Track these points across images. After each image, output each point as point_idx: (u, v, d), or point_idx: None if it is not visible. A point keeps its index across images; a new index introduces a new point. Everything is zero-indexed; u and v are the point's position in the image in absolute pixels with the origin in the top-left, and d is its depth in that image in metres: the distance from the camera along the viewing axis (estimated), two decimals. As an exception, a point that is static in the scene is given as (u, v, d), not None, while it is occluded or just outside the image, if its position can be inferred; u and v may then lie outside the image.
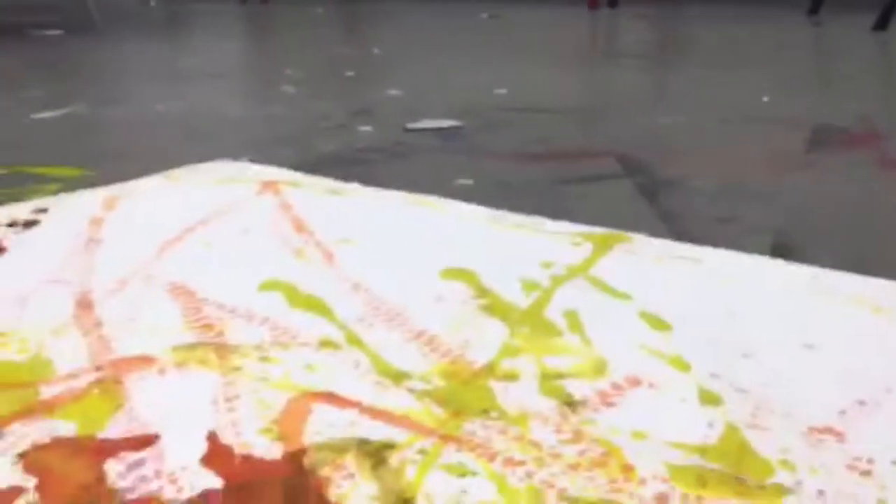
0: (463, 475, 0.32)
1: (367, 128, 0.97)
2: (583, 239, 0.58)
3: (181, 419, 0.36)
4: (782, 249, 0.56)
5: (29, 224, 0.63)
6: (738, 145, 0.87)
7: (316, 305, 0.48)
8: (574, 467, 0.32)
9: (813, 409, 0.36)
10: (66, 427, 0.36)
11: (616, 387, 0.39)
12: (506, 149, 0.86)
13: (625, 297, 0.48)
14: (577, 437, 0.34)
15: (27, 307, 0.49)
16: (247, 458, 0.33)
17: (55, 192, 0.72)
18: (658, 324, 0.45)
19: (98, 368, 0.41)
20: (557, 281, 0.51)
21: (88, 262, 0.56)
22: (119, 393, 0.39)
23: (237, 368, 0.41)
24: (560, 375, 0.40)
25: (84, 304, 0.49)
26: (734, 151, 0.84)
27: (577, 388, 0.38)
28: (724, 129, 0.95)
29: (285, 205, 0.67)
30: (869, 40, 1.89)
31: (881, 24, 2.04)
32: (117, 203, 0.68)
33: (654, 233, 0.59)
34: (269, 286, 0.51)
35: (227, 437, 0.35)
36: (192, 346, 0.43)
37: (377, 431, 0.35)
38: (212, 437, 0.35)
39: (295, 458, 0.33)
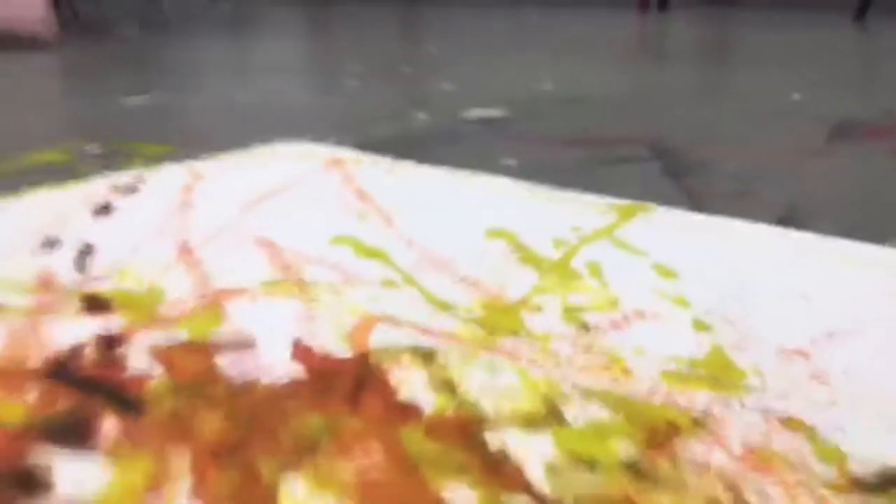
0: (494, 370, 0.40)
1: (423, 116, 1.06)
2: (609, 208, 0.66)
3: (272, 330, 0.45)
4: (787, 220, 0.63)
5: (131, 189, 0.74)
6: (763, 135, 0.94)
7: (378, 255, 0.57)
8: (583, 370, 0.40)
9: (788, 337, 0.44)
10: (180, 335, 0.45)
11: (625, 317, 0.47)
12: (548, 135, 0.94)
13: (641, 252, 0.56)
14: (588, 349, 0.43)
15: (138, 252, 0.58)
16: (325, 356, 0.42)
17: (149, 165, 0.82)
18: (666, 273, 0.53)
19: (202, 296, 0.50)
20: (584, 240, 0.59)
21: (184, 221, 0.65)
22: (220, 313, 0.48)
23: (315, 299, 0.50)
24: (579, 309, 0.48)
25: (185, 251, 0.58)
26: (759, 140, 0.91)
27: (592, 318, 0.46)
28: (753, 122, 1.02)
29: (348, 178, 0.76)
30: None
31: (859, 16, 2.13)
32: (204, 173, 0.78)
33: (676, 206, 0.67)
34: (337, 241, 0.60)
35: (308, 343, 0.44)
36: (277, 282, 0.52)
37: (427, 342, 0.43)
38: (297, 342, 0.44)
39: (362, 357, 0.42)
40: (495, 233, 0.61)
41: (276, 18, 2.95)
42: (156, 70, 1.54)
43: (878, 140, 0.90)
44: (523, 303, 0.49)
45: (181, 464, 0.34)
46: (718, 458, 0.34)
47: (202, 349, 0.43)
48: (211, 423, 0.37)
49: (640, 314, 0.47)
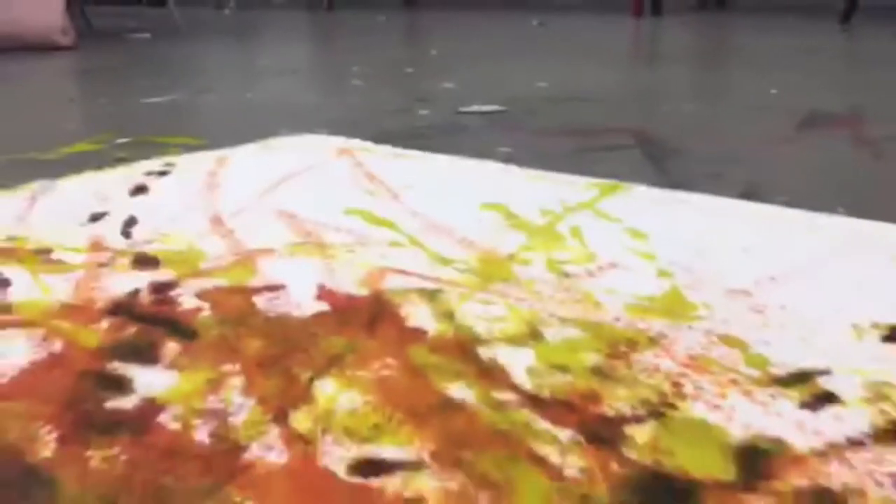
0: (487, 304, 0.48)
1: (425, 112, 1.15)
2: (593, 186, 0.74)
3: (299, 277, 0.53)
4: (748, 195, 0.71)
5: (162, 173, 0.82)
6: (740, 126, 1.02)
7: (386, 223, 0.65)
8: (561, 303, 0.49)
9: (735, 279, 0.52)
10: (221, 283, 0.53)
11: (599, 268, 0.55)
12: (541, 127, 1.03)
13: (618, 220, 0.64)
14: (566, 290, 0.51)
15: (175, 222, 0.66)
16: (345, 295, 0.50)
17: (178, 154, 0.90)
18: (638, 235, 0.61)
19: (235, 254, 0.59)
20: (568, 210, 0.67)
21: (212, 198, 0.73)
22: (253, 267, 0.56)
23: (332, 256, 0.58)
24: (561, 262, 0.56)
25: (216, 221, 0.67)
26: (735, 130, 0.99)
27: (571, 269, 0.55)
28: (732, 114, 1.10)
29: (359, 163, 0.85)
30: (889, 46, 2.00)
31: (844, 20, 2.29)
32: (227, 161, 0.86)
33: (654, 187, 0.75)
34: (350, 212, 0.68)
35: (330, 286, 0.52)
36: (299, 244, 0.60)
37: (431, 286, 0.52)
38: (320, 286, 0.52)
39: (377, 295, 0.50)
40: (489, 206, 0.69)
41: (282, 24, 3.04)
42: (171, 73, 1.62)
43: (841, 130, 0.99)
44: (513, 257, 0.57)
45: (233, 372, 0.42)
46: (666, 364, 0.42)
47: (241, 291, 0.51)
48: (254, 344, 0.45)
49: (613, 265, 0.55)
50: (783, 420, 0.35)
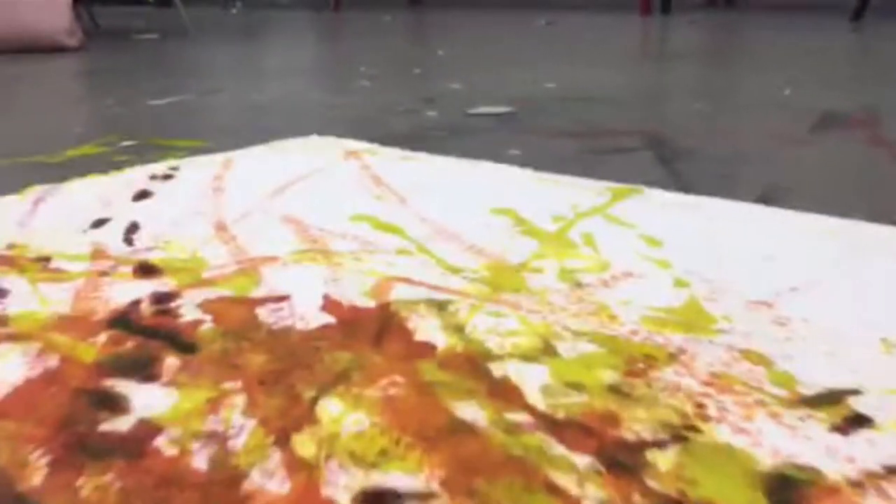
0: (498, 316, 0.46)
1: (433, 113, 1.13)
2: (604, 190, 0.72)
3: (303, 288, 0.52)
4: (764, 199, 0.69)
5: (166, 177, 0.80)
6: (753, 126, 1.00)
7: (393, 229, 0.63)
8: (575, 315, 0.47)
9: (755, 290, 0.50)
10: (223, 293, 0.52)
11: (613, 277, 0.53)
12: (550, 128, 1.01)
13: (631, 225, 0.62)
14: (579, 300, 0.49)
15: (178, 227, 0.65)
16: (351, 307, 0.49)
17: (183, 157, 0.89)
18: (653, 242, 0.59)
19: (239, 262, 0.57)
20: (580, 215, 0.65)
21: (216, 203, 0.72)
22: (256, 276, 0.54)
23: (339, 264, 0.56)
24: (574, 271, 0.54)
25: (220, 227, 0.65)
26: (748, 130, 0.97)
27: (585, 278, 0.53)
28: (744, 114, 1.08)
29: (366, 166, 0.83)
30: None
31: (856, 17, 2.28)
32: (233, 164, 0.85)
33: (666, 189, 0.73)
34: (356, 218, 0.66)
35: (336, 297, 0.50)
36: (304, 252, 0.59)
37: (440, 296, 0.50)
38: (326, 296, 0.50)
39: (384, 307, 0.48)
40: (499, 210, 0.67)
41: (289, 24, 3.03)
42: (178, 74, 1.61)
43: (856, 131, 0.96)
44: (524, 266, 0.55)
45: (234, 390, 0.40)
46: (687, 382, 0.40)
47: (244, 302, 0.50)
48: (256, 359, 0.43)
49: (628, 274, 0.53)
50: (813, 445, 0.34)
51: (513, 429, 0.36)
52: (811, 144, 0.90)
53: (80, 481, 0.32)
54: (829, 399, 0.38)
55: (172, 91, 1.36)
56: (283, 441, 0.35)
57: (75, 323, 0.48)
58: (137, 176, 0.81)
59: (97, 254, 0.59)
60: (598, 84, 1.39)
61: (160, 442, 0.35)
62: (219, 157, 0.87)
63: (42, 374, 0.42)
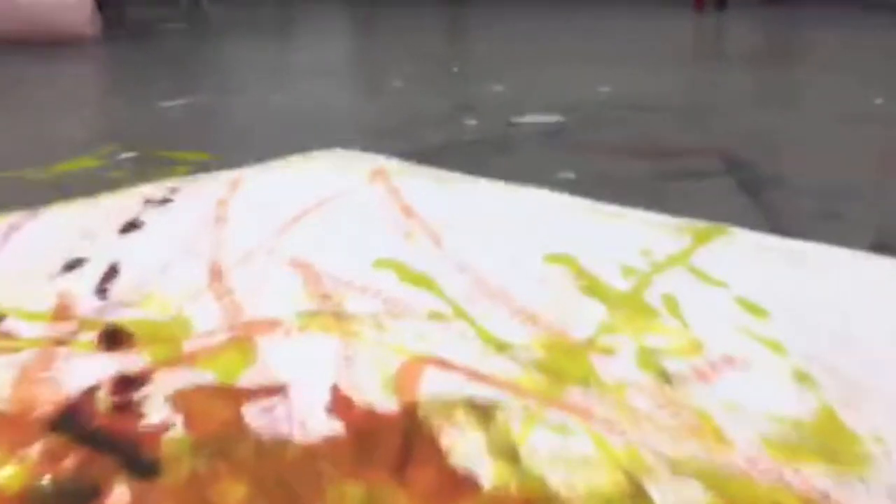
0: (564, 433, 0.34)
1: (472, 121, 1.01)
2: (681, 230, 0.59)
3: (307, 373, 0.40)
4: (882, 247, 0.56)
5: (163, 202, 0.69)
6: (845, 144, 0.86)
7: (425, 282, 0.51)
8: (667, 431, 0.34)
9: (907, 393, 0.37)
10: (205, 376, 0.40)
11: (711, 365, 0.40)
12: (608, 145, 0.88)
13: (722, 284, 0.50)
14: (671, 404, 0.36)
15: (166, 274, 0.54)
16: (367, 409, 0.37)
17: (185, 175, 0.78)
18: (754, 309, 0.46)
19: (231, 328, 0.45)
20: (657, 268, 0.52)
21: (217, 238, 0.61)
22: (251, 349, 0.43)
23: (355, 334, 0.44)
24: (657, 352, 0.42)
25: (216, 274, 0.54)
26: (840, 150, 0.84)
27: (673, 365, 0.40)
28: (831, 130, 0.94)
29: (393, 191, 0.71)
30: None
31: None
32: (240, 185, 0.73)
33: (755, 228, 0.60)
34: (381, 264, 0.55)
35: (347, 390, 0.38)
36: (314, 313, 0.47)
37: (483, 392, 0.38)
38: (334, 389, 0.38)
39: (410, 411, 0.36)
40: (555, 258, 0.55)
41: (321, 19, 2.92)
42: (195, 71, 1.51)
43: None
44: (591, 344, 0.43)
45: (197, 546, 0.29)
46: (844, 558, 0.27)
47: (229, 394, 0.38)
48: (235, 492, 0.32)
49: (729, 361, 0.41)
50: None
51: None
52: (918, 169, 0.76)
53: None
54: None
55: (188, 90, 1.26)
56: None
57: (9, 425, 0.36)
58: (130, 200, 0.70)
59: (60, 312, 0.48)
60: (656, 89, 1.25)
61: None
62: (225, 176, 0.76)
63: (-59, 513, 0.31)
